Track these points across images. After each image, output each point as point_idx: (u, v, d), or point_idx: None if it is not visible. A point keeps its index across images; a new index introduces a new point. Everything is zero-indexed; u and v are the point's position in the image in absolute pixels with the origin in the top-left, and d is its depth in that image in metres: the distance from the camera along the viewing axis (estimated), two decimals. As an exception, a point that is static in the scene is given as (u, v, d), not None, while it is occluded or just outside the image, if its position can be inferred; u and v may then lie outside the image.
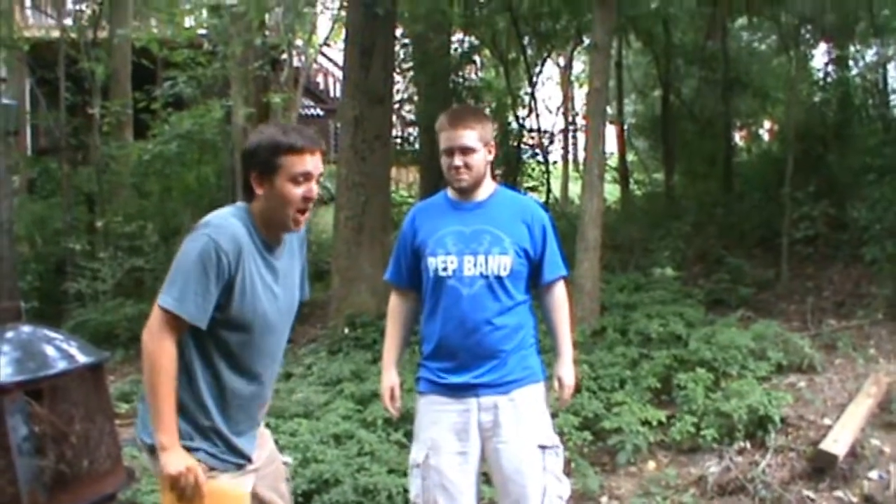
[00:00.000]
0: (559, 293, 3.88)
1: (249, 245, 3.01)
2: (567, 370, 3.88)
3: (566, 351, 3.89)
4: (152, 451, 3.00)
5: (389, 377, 3.87)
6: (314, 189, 3.05)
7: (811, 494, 5.36)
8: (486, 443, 3.66)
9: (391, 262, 3.95)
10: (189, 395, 3.03)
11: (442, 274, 3.62)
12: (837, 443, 5.59)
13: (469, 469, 3.67)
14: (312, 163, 3.03)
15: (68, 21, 14.85)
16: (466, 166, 3.63)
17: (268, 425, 6.48)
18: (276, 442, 6.04)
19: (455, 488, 3.64)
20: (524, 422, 3.64)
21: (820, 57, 13.63)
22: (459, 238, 3.63)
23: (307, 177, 3.02)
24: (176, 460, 2.92)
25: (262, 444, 3.34)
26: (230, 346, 3.06)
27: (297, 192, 3.01)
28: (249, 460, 3.17)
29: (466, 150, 3.62)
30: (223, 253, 2.91)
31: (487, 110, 15.55)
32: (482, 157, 3.67)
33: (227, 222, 2.99)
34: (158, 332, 2.91)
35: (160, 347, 2.91)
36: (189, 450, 2.98)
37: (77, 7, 15.32)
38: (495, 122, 15.19)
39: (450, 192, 3.81)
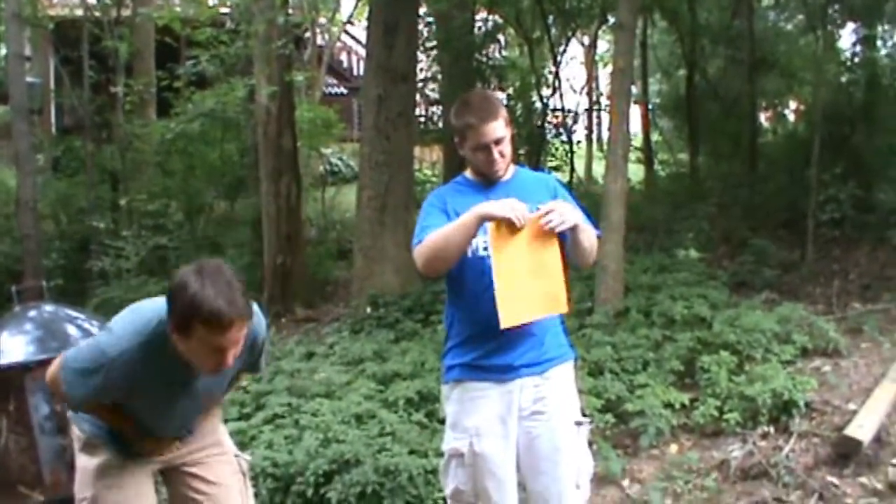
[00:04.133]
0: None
1: None
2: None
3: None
4: None
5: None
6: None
7: (835, 480, 5.31)
8: (521, 423, 3.62)
9: (418, 234, 3.60)
10: None
11: (482, 253, 3.53)
12: (863, 428, 5.52)
13: (511, 452, 3.63)
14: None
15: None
16: (502, 155, 3.61)
17: (289, 405, 6.51)
18: (297, 422, 6.09)
19: (503, 472, 3.61)
20: (561, 399, 3.63)
21: (847, 37, 13.52)
22: None
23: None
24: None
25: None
26: None
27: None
28: None
29: (500, 141, 3.60)
30: None
31: (511, 90, 15.53)
32: (509, 140, 3.66)
33: None
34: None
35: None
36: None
37: (101, -15, 15.34)
38: (519, 102, 15.18)
39: (469, 174, 3.76)
